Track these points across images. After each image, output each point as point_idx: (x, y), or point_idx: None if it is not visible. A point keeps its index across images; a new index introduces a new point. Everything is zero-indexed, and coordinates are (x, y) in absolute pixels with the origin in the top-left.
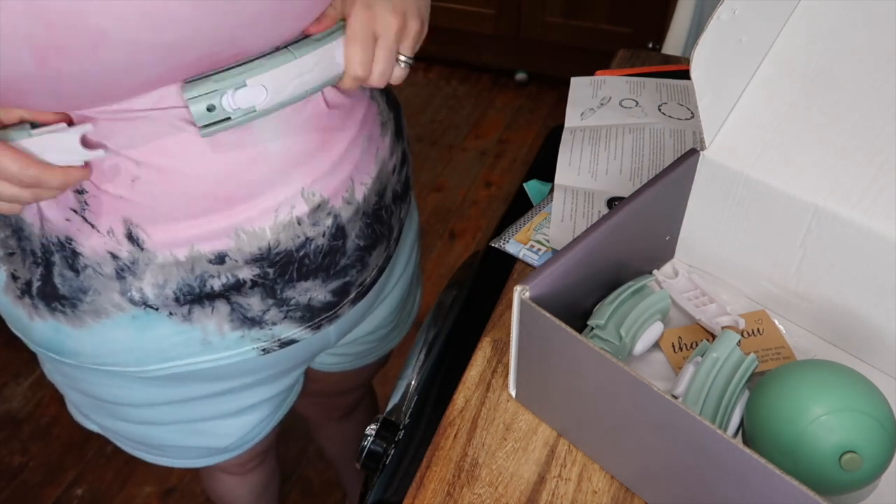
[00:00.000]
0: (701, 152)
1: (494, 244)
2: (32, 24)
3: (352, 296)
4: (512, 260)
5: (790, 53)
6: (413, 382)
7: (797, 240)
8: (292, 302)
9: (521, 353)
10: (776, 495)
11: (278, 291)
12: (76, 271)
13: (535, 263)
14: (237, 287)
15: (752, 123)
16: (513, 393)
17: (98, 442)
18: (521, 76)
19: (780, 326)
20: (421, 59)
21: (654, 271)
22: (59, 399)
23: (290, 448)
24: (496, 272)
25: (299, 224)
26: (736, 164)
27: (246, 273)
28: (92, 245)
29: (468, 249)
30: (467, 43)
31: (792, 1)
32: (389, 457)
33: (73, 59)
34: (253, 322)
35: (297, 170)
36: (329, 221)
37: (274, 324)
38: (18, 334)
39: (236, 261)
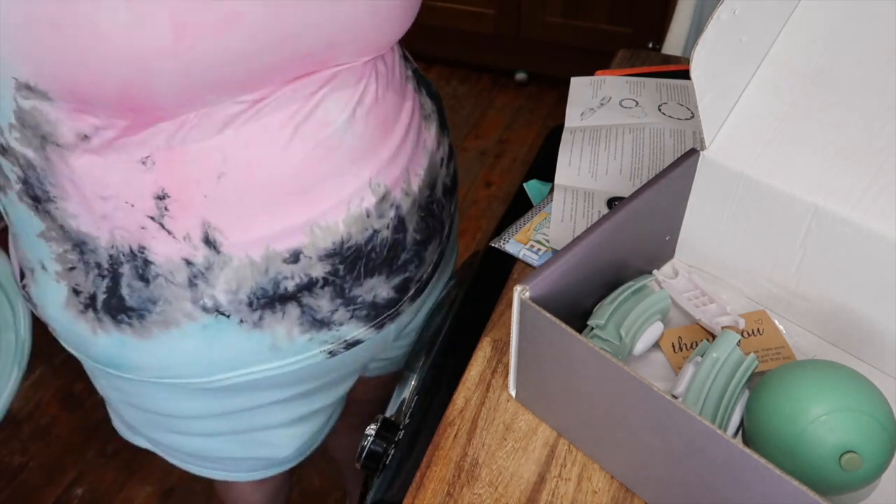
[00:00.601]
0: (701, 152)
1: (494, 244)
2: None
3: (411, 292)
4: (512, 260)
5: (790, 53)
6: (413, 382)
7: (797, 240)
8: (359, 300)
9: (521, 353)
10: (776, 495)
11: (346, 290)
12: (146, 281)
13: (535, 263)
14: (309, 287)
15: (752, 123)
16: (513, 393)
17: (98, 442)
18: (521, 76)
19: (780, 326)
20: (421, 59)
21: (654, 271)
22: (59, 399)
23: None
24: (496, 272)
25: (368, 216)
26: (736, 164)
27: (318, 271)
28: (167, 253)
29: (468, 249)
30: (467, 43)
31: (792, 1)
32: (389, 457)
33: (207, 36)
34: (321, 324)
35: (364, 160)
36: (392, 213)
37: (341, 324)
38: (74, 351)
39: (310, 258)
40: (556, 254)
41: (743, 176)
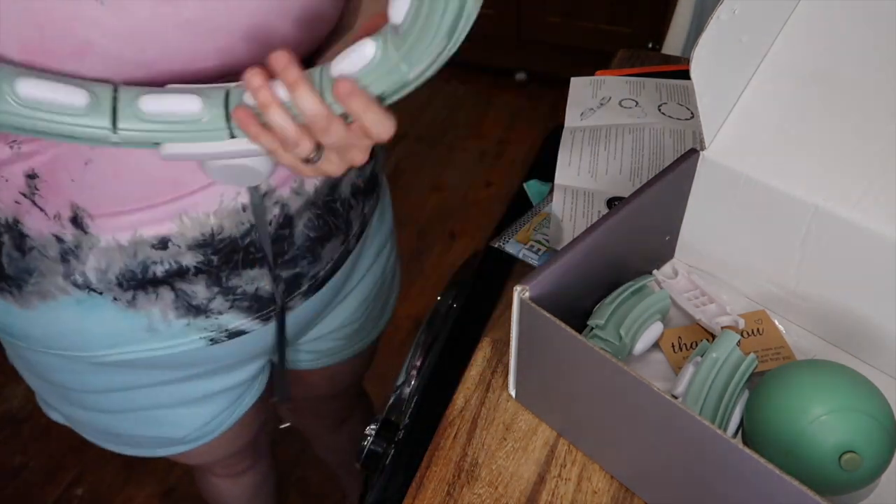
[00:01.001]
0: (701, 152)
1: (494, 244)
2: (24, 26)
3: (304, 288)
4: (512, 260)
5: (790, 53)
6: (413, 382)
7: (797, 240)
8: (238, 291)
9: (521, 353)
10: (776, 495)
11: (223, 279)
12: (23, 252)
13: (535, 263)
14: (180, 273)
15: (752, 123)
16: (512, 393)
17: None
18: (521, 76)
19: (780, 326)
20: None
21: (654, 271)
22: None
23: (288, 449)
24: (496, 272)
25: (244, 211)
26: (736, 164)
27: (189, 259)
28: (38, 227)
29: (468, 249)
30: (467, 43)
31: (792, 1)
32: (389, 457)
33: (57, 62)
34: (198, 310)
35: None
36: (276, 210)
37: (220, 313)
38: None
39: (179, 246)
40: (556, 254)
41: (743, 176)
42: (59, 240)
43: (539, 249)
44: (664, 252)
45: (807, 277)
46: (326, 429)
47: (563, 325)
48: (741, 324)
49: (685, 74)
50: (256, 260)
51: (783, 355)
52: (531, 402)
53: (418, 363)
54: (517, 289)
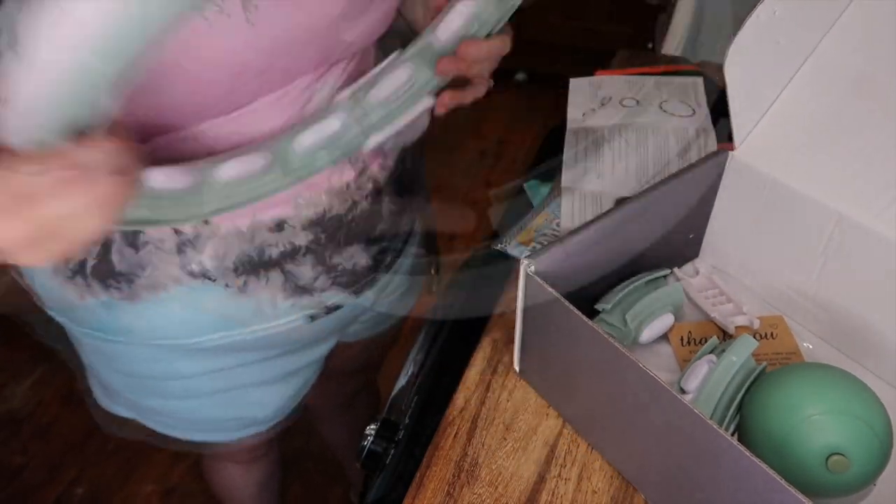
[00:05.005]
0: (730, 153)
1: (496, 246)
2: (185, 59)
3: (387, 260)
4: (512, 261)
5: (832, 60)
6: (413, 382)
7: (819, 247)
8: (339, 268)
9: (526, 329)
10: (763, 491)
11: (327, 258)
12: (136, 248)
13: None
14: (292, 254)
15: (785, 127)
16: (517, 368)
17: (98, 441)
18: (520, 76)
19: (796, 334)
20: None
21: (675, 269)
22: (59, 399)
23: (291, 442)
24: (497, 272)
25: (348, 188)
26: (765, 167)
27: (302, 239)
28: None
29: (468, 250)
30: None
31: (839, 7)
32: (389, 457)
33: (217, 85)
34: (304, 290)
35: None
36: (370, 186)
37: (323, 290)
38: (59, 316)
39: (294, 227)
40: (565, 235)
41: (770, 178)
42: (178, 232)
43: None
44: (688, 251)
45: (826, 286)
46: (334, 407)
47: (564, 300)
48: (756, 324)
49: (684, 74)
50: (355, 236)
51: (794, 361)
52: (534, 377)
53: (419, 363)
54: (524, 262)
